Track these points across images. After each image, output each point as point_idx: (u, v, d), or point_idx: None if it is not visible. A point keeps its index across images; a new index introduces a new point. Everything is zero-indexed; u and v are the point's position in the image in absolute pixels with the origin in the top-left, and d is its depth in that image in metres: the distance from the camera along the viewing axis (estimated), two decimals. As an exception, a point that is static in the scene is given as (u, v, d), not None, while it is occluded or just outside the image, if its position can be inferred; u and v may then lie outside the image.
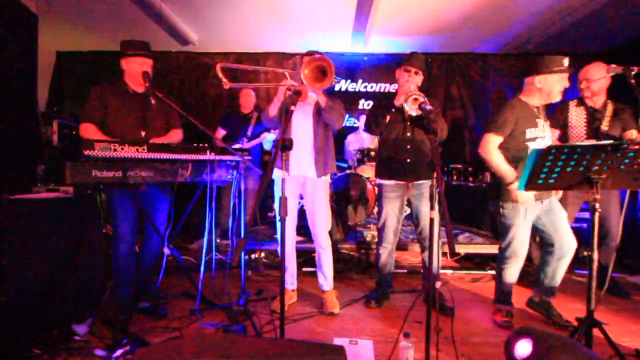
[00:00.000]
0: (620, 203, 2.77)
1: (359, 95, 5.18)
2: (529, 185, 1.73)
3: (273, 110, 2.33)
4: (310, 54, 2.25)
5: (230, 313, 2.38)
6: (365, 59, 5.12)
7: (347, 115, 5.16)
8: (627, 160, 1.54)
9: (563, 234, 2.23)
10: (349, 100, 5.14)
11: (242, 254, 2.41)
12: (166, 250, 2.24)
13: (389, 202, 2.51)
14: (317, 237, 2.50)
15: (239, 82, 4.78)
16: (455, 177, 4.65)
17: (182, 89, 5.22)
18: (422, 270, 2.87)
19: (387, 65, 5.02)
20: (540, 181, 1.70)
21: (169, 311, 2.40)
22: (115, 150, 1.91)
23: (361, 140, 4.57)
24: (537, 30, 4.35)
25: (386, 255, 2.58)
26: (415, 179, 2.47)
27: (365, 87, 5.19)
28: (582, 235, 3.10)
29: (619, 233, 2.78)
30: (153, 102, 2.23)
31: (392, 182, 2.51)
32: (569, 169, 1.62)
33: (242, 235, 2.47)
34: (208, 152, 2.20)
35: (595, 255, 1.66)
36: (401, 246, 3.40)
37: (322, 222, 2.48)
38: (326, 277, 2.54)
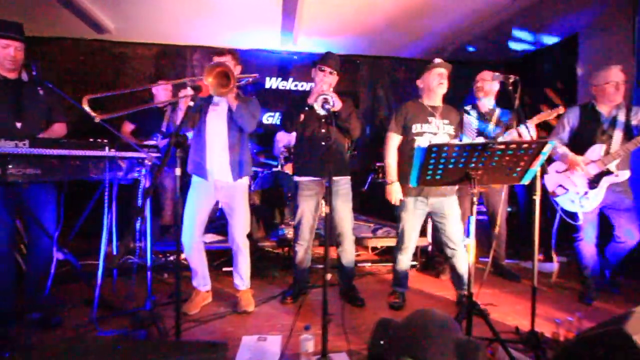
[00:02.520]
0: (506, 198, 3.15)
1: (290, 93, 5.19)
2: (420, 181, 1.86)
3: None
4: (219, 52, 2.24)
5: (136, 319, 2.26)
6: (296, 57, 5.14)
7: (277, 114, 5.16)
8: (496, 158, 1.72)
9: (449, 236, 2.50)
10: (280, 98, 5.14)
11: (150, 255, 2.30)
12: (59, 255, 2.07)
13: (304, 200, 2.55)
14: (234, 238, 2.48)
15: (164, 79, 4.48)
16: (381, 175, 4.86)
17: (97, 80, 4.83)
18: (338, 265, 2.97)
19: (317, 65, 5.09)
20: (428, 177, 1.84)
21: (65, 321, 2.22)
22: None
23: (290, 137, 4.59)
24: (451, 39, 4.69)
25: (302, 252, 2.62)
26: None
27: (297, 85, 5.22)
28: (484, 225, 3.45)
29: (504, 224, 3.14)
30: (41, 92, 2.04)
31: (308, 179, 2.56)
32: (450, 166, 1.77)
33: (151, 237, 2.35)
34: (107, 148, 2.07)
35: (473, 244, 1.84)
36: (322, 242, 3.48)
37: (240, 226, 2.46)
38: (242, 277, 2.52)
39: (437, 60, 2.46)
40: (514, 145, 1.67)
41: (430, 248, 3.55)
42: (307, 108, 2.46)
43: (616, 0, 3.61)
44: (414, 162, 1.77)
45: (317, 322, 2.13)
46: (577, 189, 2.62)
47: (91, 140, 2.04)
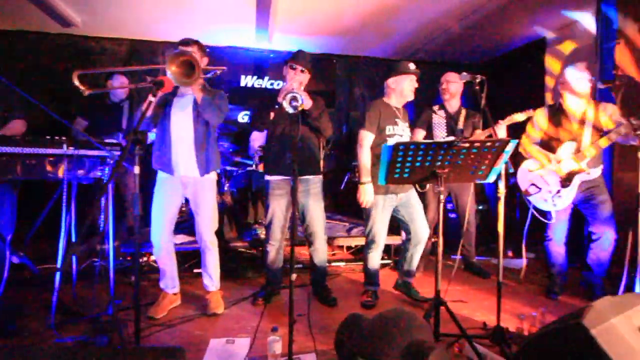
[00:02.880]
0: (474, 196, 3.22)
1: (265, 91, 5.13)
2: (388, 179, 1.86)
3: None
4: (184, 42, 2.16)
5: (98, 324, 2.17)
6: (272, 55, 5.08)
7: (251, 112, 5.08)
8: (462, 157, 1.74)
9: (418, 224, 2.53)
10: (256, 97, 5.06)
11: (112, 257, 2.20)
12: (13, 259, 1.96)
13: (275, 199, 2.52)
14: (201, 236, 2.42)
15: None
16: (357, 174, 4.87)
17: (63, 76, 4.62)
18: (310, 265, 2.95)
19: (293, 64, 5.06)
20: (396, 175, 1.84)
21: (22, 327, 2.10)
22: None
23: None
24: (424, 40, 4.75)
25: (274, 252, 2.59)
26: (300, 174, 2.51)
27: (272, 84, 5.16)
28: (453, 222, 3.51)
29: (473, 221, 3.20)
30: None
31: (279, 177, 2.52)
32: (417, 164, 1.78)
33: (113, 237, 2.26)
34: (65, 145, 1.97)
35: (441, 242, 1.86)
36: (299, 241, 3.44)
37: (207, 221, 2.40)
38: (211, 277, 2.46)
39: (413, 66, 2.48)
40: (478, 144, 1.69)
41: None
42: (276, 106, 2.42)
43: (580, 4, 3.73)
44: (382, 160, 1.77)
45: (286, 323, 2.09)
46: (550, 188, 2.61)
47: (48, 137, 1.94)
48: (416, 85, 2.50)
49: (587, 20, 3.78)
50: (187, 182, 2.34)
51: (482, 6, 3.78)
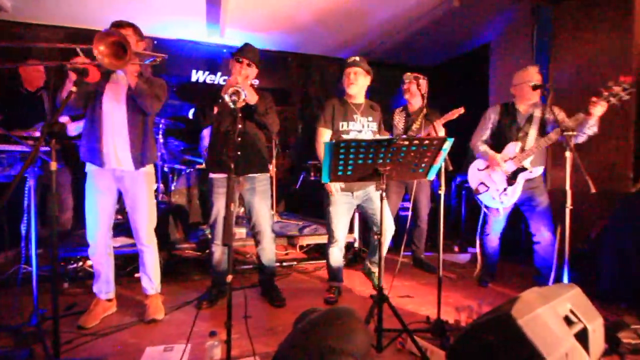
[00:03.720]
0: (429, 194, 3.31)
1: (218, 88, 4.96)
2: (332, 177, 1.85)
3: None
4: (117, 24, 2.01)
5: (20, 336, 1.97)
6: (225, 51, 4.94)
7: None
8: (402, 154, 1.76)
9: (379, 219, 2.52)
10: (207, 93, 4.89)
11: (35, 263, 2.00)
12: None
13: (219, 198, 2.42)
14: (137, 233, 2.27)
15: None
16: (312, 173, 4.85)
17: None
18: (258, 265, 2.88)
19: (248, 60, 4.94)
20: (340, 172, 1.83)
21: None
22: None
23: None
24: (377, 42, 4.84)
25: (219, 253, 2.49)
26: (246, 172, 2.44)
27: (225, 80, 4.99)
28: (404, 220, 3.59)
29: (425, 219, 3.30)
30: None
31: (223, 175, 2.43)
32: (360, 162, 1.78)
33: (36, 242, 2.06)
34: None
35: (384, 239, 1.87)
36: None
37: (142, 217, 2.25)
38: (150, 278, 2.32)
39: (350, 60, 2.50)
40: (416, 142, 1.71)
41: (356, 244, 3.61)
42: (220, 101, 2.34)
43: (520, 14, 3.97)
44: (324, 158, 1.75)
45: (235, 325, 2.01)
46: (497, 186, 2.72)
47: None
48: (356, 79, 2.49)
49: (526, 29, 4.01)
50: (120, 176, 2.18)
51: (428, 12, 3.91)
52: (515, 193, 2.67)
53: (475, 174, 2.87)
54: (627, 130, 2.87)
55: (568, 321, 1.58)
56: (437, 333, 2.01)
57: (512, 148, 2.70)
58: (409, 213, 3.05)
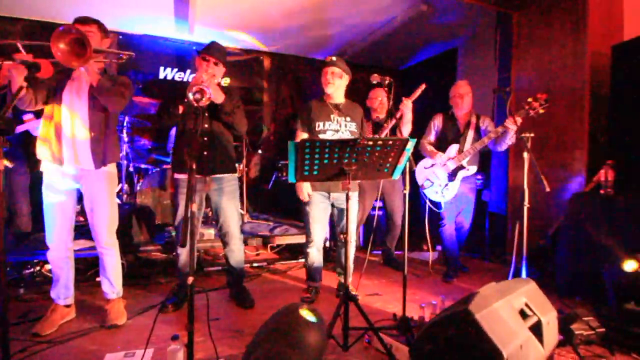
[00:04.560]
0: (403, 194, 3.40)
1: (183, 86, 4.84)
2: (298, 177, 1.85)
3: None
4: (80, 21, 1.93)
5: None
6: (194, 48, 4.81)
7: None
8: (367, 154, 1.79)
9: (350, 222, 2.55)
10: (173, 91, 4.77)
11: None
12: None
13: (184, 199, 2.35)
14: (97, 235, 2.19)
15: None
16: (284, 174, 4.83)
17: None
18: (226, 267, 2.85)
19: (218, 58, 4.86)
20: (306, 172, 1.83)
21: None
22: None
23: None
24: (350, 42, 4.88)
25: (185, 255, 2.43)
26: (213, 172, 2.40)
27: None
28: (379, 220, 3.67)
29: (399, 220, 3.37)
30: None
31: (187, 175, 2.37)
32: (326, 162, 1.78)
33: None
34: None
35: (350, 238, 1.89)
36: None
37: (102, 219, 2.17)
38: (111, 282, 2.24)
39: (327, 59, 2.51)
40: (380, 142, 1.74)
41: (327, 243, 3.62)
42: (186, 99, 2.28)
43: (486, 20, 4.12)
44: (289, 157, 1.74)
45: (197, 329, 1.97)
46: (440, 182, 3.08)
47: None
48: (333, 79, 2.50)
49: (491, 33, 4.17)
50: (79, 175, 2.09)
51: (395, 16, 3.99)
52: (455, 187, 3.05)
53: (422, 171, 3.21)
54: (582, 133, 3.04)
55: (523, 314, 1.65)
56: (402, 330, 2.05)
57: (453, 149, 3.07)
58: (377, 212, 3.14)
